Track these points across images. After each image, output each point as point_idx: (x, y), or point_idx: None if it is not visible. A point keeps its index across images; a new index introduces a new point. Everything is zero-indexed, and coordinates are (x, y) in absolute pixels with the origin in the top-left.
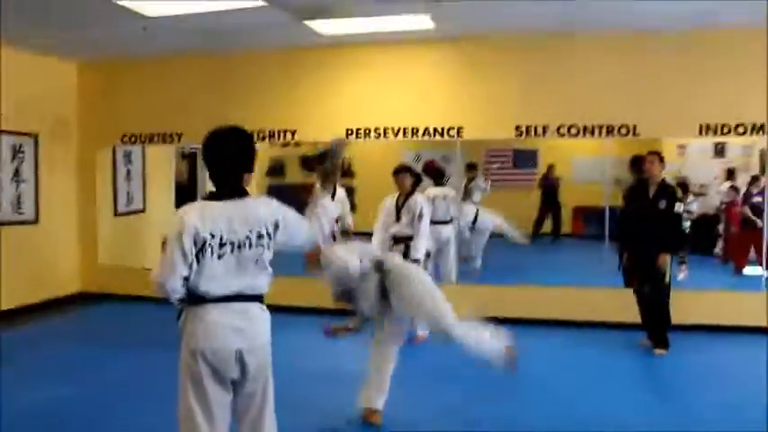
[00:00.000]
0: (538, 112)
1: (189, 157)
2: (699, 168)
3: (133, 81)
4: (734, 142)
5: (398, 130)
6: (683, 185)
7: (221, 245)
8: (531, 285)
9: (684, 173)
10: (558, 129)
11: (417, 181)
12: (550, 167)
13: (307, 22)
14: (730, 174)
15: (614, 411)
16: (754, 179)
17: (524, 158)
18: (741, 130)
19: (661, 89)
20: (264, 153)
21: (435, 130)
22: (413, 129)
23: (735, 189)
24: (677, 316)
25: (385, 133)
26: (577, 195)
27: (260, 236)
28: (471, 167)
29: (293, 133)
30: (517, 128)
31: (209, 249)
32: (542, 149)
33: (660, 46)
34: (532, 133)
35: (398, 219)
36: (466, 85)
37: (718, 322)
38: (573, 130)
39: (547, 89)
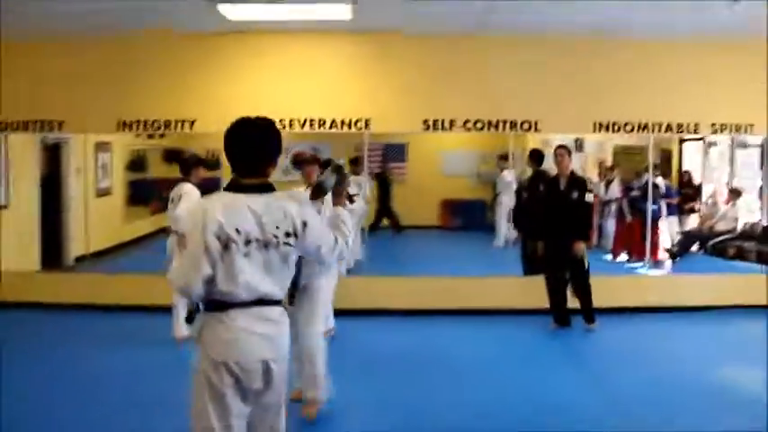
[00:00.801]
0: (445, 106)
1: (51, 149)
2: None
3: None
4: (590, 138)
5: (305, 122)
6: None
7: (247, 242)
8: (426, 276)
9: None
10: (465, 123)
11: None
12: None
13: (218, 6)
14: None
15: (545, 390)
16: (610, 168)
17: (394, 152)
18: (629, 128)
19: (562, 89)
20: (125, 146)
21: (343, 122)
22: (320, 120)
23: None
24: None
25: (291, 124)
26: (445, 188)
27: (287, 234)
28: (355, 162)
29: (192, 123)
30: (424, 122)
31: (234, 247)
32: (411, 143)
33: (564, 50)
34: (439, 127)
35: None
36: (376, 79)
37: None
38: (478, 125)
39: (456, 85)
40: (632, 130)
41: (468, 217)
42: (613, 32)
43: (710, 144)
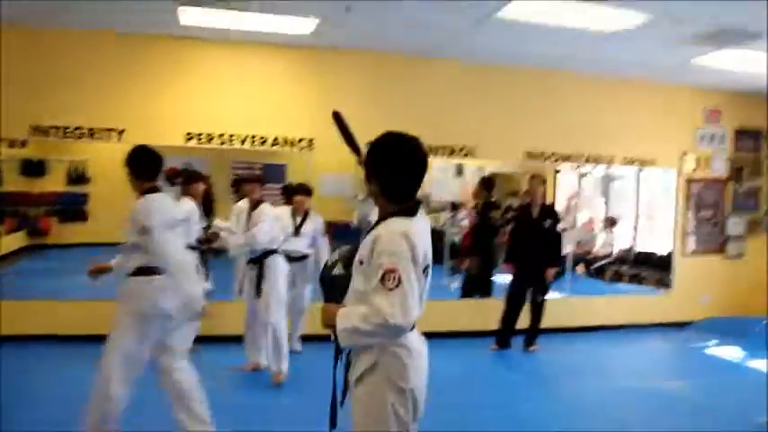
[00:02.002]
0: (384, 128)
1: None
2: (443, 186)
3: None
4: (470, 164)
5: (245, 138)
6: None
7: (426, 267)
8: None
9: (427, 189)
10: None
11: None
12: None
13: (179, 8)
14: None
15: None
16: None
17: (273, 172)
18: (555, 158)
19: (497, 118)
20: None
21: (286, 140)
22: (261, 138)
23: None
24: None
25: (231, 140)
26: (324, 210)
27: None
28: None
29: (120, 133)
30: (368, 143)
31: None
32: (290, 164)
33: (503, 79)
34: None
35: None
36: (322, 98)
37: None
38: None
39: (400, 108)
40: (556, 160)
41: (343, 238)
42: (553, 66)
43: (583, 174)
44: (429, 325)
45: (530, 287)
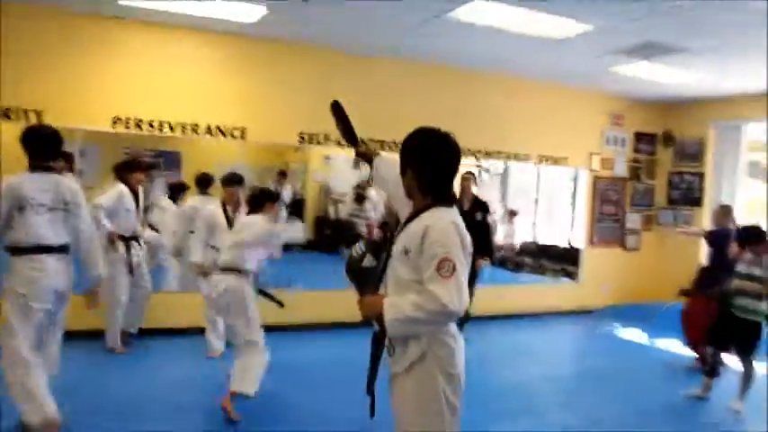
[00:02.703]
0: (322, 121)
1: None
2: (343, 177)
3: None
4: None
5: (176, 125)
6: None
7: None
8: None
9: (329, 181)
10: (339, 139)
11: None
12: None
13: None
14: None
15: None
16: None
17: (168, 161)
18: (480, 154)
19: (423, 113)
20: None
21: (219, 128)
22: (192, 126)
23: None
24: None
25: (161, 127)
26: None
27: None
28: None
29: (39, 114)
30: (300, 134)
31: None
32: (185, 153)
33: (440, 79)
34: (314, 141)
35: None
36: (258, 87)
37: None
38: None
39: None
40: (487, 155)
41: None
42: (470, 66)
43: (484, 170)
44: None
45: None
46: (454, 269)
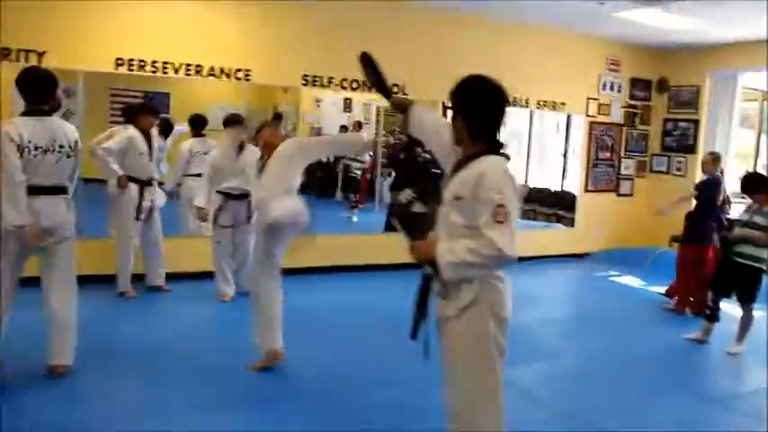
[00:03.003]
0: (323, 64)
1: None
2: (332, 120)
3: None
4: (357, 99)
5: (179, 67)
6: None
7: None
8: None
9: (320, 123)
10: (342, 81)
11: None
12: None
13: None
14: (359, 125)
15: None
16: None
17: (157, 101)
18: None
19: (423, 57)
20: None
21: (222, 70)
22: (197, 66)
23: None
24: None
25: (164, 68)
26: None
27: None
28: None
29: (41, 55)
30: (304, 76)
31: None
32: (174, 93)
33: (430, 21)
34: (319, 84)
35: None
36: (258, 29)
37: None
38: (353, 84)
39: (333, 45)
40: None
41: None
42: (473, 11)
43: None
44: (363, 258)
45: None
46: (508, 215)
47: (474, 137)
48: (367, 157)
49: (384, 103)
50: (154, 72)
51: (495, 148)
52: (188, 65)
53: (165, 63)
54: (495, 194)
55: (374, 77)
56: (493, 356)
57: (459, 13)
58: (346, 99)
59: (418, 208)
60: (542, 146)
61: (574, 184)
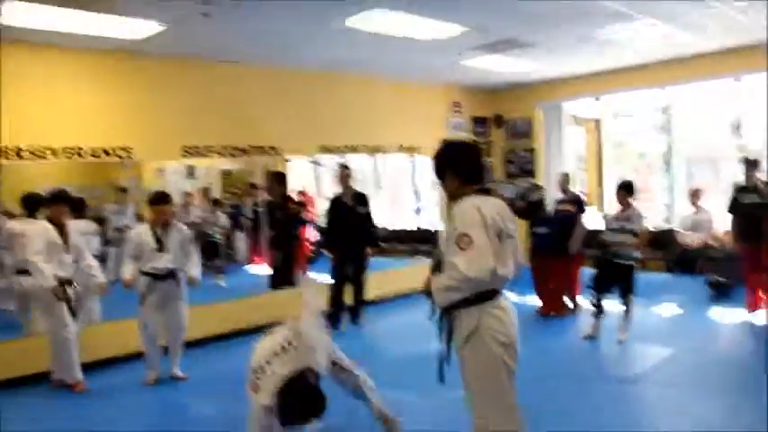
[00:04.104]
0: (201, 134)
1: None
2: (176, 188)
3: None
4: (201, 165)
5: (58, 151)
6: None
7: (499, 232)
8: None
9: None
10: (219, 150)
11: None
12: None
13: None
14: (205, 192)
15: None
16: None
17: None
18: (347, 149)
19: (296, 117)
20: None
21: (105, 151)
22: (78, 149)
23: None
24: None
25: (44, 155)
26: None
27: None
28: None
29: None
30: (184, 148)
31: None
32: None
33: (301, 81)
34: (197, 154)
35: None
36: (136, 105)
37: None
38: (232, 151)
39: (211, 113)
40: (354, 151)
41: None
42: (339, 68)
43: (318, 164)
44: (248, 322)
45: (350, 267)
46: (470, 243)
47: (455, 186)
48: (222, 219)
49: (225, 164)
50: (32, 160)
51: (480, 190)
52: (69, 148)
53: (47, 149)
54: (459, 226)
55: None
56: (500, 377)
57: (325, 73)
58: (189, 166)
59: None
60: (394, 188)
61: (430, 220)
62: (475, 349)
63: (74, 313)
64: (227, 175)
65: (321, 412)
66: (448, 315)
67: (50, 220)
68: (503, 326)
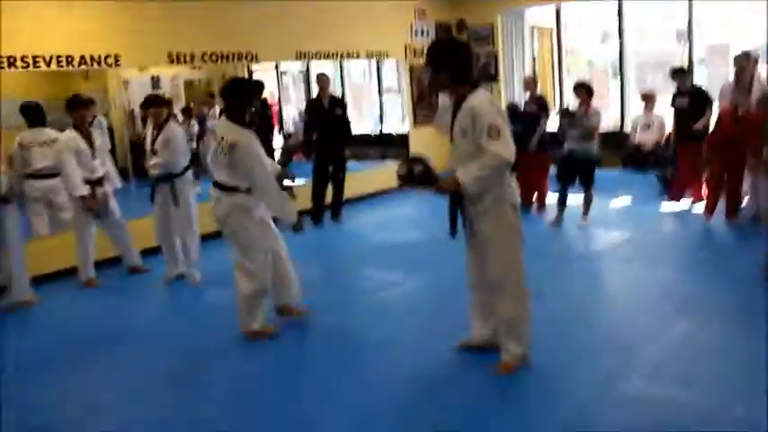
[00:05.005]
0: (187, 40)
1: None
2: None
3: None
4: (165, 75)
5: (50, 59)
6: None
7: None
8: None
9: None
10: (203, 56)
11: None
12: None
13: None
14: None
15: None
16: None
17: None
18: (325, 54)
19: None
20: None
21: (93, 58)
22: (67, 57)
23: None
24: None
25: (35, 63)
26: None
27: None
28: None
29: None
30: (169, 55)
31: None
32: None
33: None
34: (182, 60)
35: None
36: (117, 10)
37: None
38: (213, 57)
39: (192, 20)
40: (327, 57)
41: None
42: None
43: (282, 72)
44: None
45: (329, 167)
46: (500, 130)
47: (456, 81)
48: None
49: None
50: (25, 67)
51: (475, 85)
52: (59, 56)
53: (36, 57)
54: (485, 119)
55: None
56: (515, 233)
57: None
58: (153, 77)
59: (417, 169)
60: (359, 92)
61: (395, 124)
62: (496, 214)
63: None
64: (188, 84)
65: None
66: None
67: (75, 126)
68: (514, 193)
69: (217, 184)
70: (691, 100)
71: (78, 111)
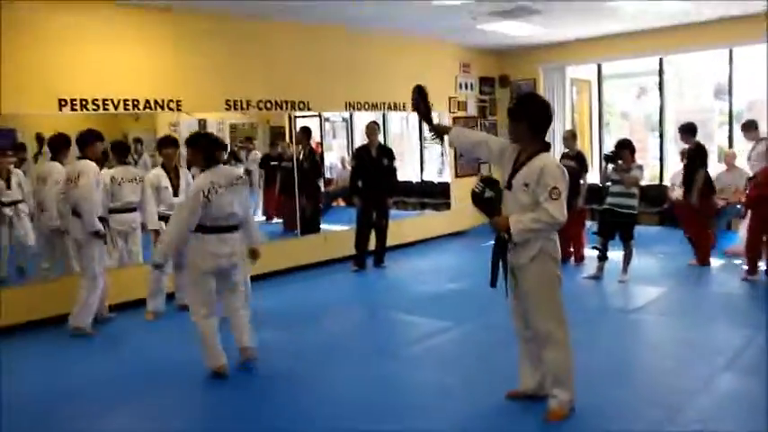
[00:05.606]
0: (244, 87)
1: None
2: None
3: None
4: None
5: (118, 102)
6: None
7: None
8: None
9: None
10: (258, 103)
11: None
12: None
13: None
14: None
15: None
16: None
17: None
18: (367, 106)
19: (323, 74)
20: None
21: (157, 102)
22: (133, 101)
23: None
24: None
25: (104, 105)
26: None
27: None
28: None
29: None
30: (226, 101)
31: None
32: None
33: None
34: (238, 108)
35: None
36: (181, 58)
37: None
38: (268, 105)
39: (248, 68)
40: (374, 107)
41: None
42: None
43: (326, 119)
44: (284, 263)
45: (373, 214)
46: (560, 194)
47: (531, 137)
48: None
49: (233, 118)
50: (96, 109)
51: (546, 146)
52: (125, 100)
53: (105, 99)
54: (551, 180)
55: (423, 106)
56: (557, 284)
57: (343, 29)
58: (200, 120)
59: (488, 194)
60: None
61: (435, 173)
62: (539, 267)
63: None
64: (233, 128)
65: None
66: (506, 244)
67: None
68: (557, 248)
69: None
70: None
71: (167, 150)
